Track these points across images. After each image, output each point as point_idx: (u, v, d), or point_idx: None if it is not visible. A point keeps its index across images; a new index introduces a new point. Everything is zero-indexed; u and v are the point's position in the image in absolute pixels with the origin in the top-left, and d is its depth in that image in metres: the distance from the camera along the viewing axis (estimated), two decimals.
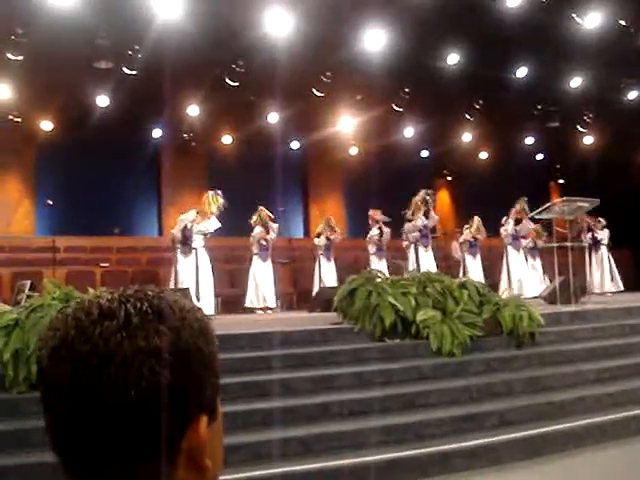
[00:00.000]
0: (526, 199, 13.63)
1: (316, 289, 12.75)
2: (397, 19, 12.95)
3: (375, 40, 13.74)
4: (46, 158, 16.44)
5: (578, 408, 6.18)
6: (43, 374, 0.71)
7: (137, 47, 13.33)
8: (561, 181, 22.20)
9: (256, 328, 7.09)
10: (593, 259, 14.62)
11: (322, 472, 4.89)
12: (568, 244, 9.76)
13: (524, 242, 13.89)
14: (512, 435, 5.56)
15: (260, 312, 12.06)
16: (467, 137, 19.72)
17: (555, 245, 9.86)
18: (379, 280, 7.40)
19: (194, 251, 10.81)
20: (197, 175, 17.38)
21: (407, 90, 16.76)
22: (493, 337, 7.05)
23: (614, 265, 14.81)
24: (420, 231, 12.93)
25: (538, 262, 14.09)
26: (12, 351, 5.24)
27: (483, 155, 21.13)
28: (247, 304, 12.19)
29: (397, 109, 17.22)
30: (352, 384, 6.08)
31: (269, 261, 12.46)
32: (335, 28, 13.06)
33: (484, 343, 6.96)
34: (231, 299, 12.91)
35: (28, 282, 9.89)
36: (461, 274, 12.79)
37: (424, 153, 20.40)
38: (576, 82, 16.74)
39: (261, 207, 12.61)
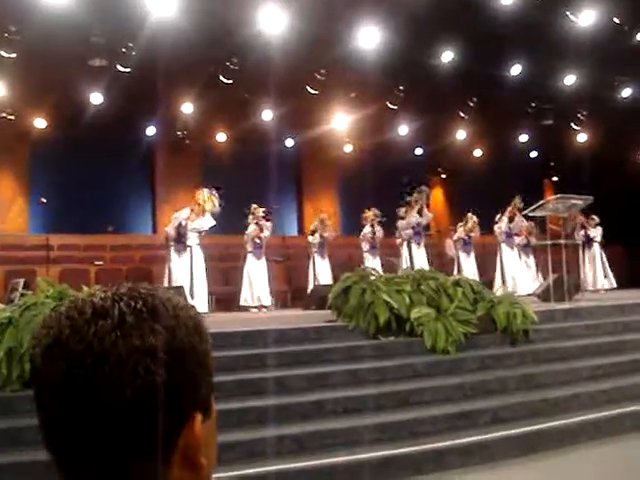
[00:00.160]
0: (520, 197, 13.64)
1: (310, 287, 12.77)
2: (391, 16, 12.95)
3: (369, 37, 13.72)
4: (40, 156, 16.36)
5: (572, 405, 6.20)
6: (36, 372, 0.71)
7: (131, 45, 13.27)
8: (555, 178, 22.21)
9: (250, 326, 7.10)
10: (586, 256, 14.68)
11: (316, 470, 4.89)
12: (562, 241, 9.78)
13: (517, 240, 13.92)
14: (506, 432, 5.57)
15: (254, 310, 12.05)
16: (461, 135, 19.70)
17: (549, 243, 9.88)
18: (373, 278, 7.41)
19: (189, 249, 10.77)
20: (191, 173, 17.31)
21: (401, 88, 16.74)
22: (487, 334, 7.06)
23: (607, 262, 14.85)
24: (413, 228, 12.94)
25: (532, 259, 14.13)
26: (5, 349, 5.23)
27: (477, 153, 21.11)
28: (242, 302, 12.16)
29: (391, 107, 17.21)
30: (346, 382, 6.08)
31: (263, 259, 12.44)
32: (329, 25, 13.04)
33: (478, 340, 6.98)
34: (225, 297, 12.90)
35: (22, 280, 9.90)
36: (455, 272, 12.79)
37: (418, 151, 20.34)
38: (570, 80, 16.76)
39: (254, 205, 12.58)
